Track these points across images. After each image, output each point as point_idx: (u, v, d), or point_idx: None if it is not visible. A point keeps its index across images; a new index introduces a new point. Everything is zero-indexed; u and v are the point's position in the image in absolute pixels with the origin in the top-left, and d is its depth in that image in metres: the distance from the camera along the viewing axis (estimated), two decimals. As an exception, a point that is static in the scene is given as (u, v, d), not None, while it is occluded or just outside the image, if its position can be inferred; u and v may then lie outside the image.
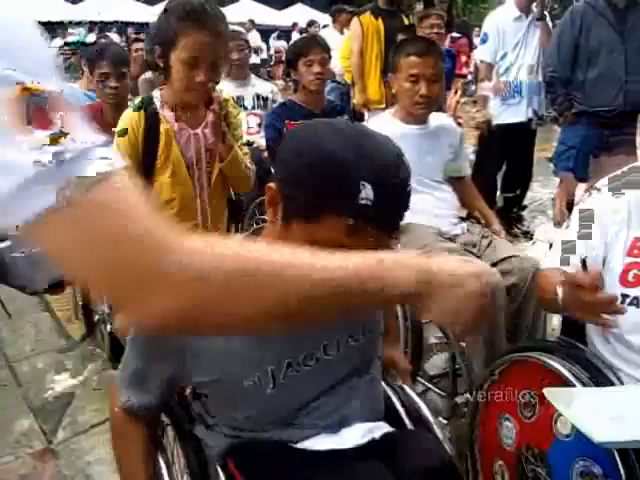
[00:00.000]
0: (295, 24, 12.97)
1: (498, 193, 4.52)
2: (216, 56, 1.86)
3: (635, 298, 1.48)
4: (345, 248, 0.75)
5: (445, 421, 2.09)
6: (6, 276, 1.36)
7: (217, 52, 1.86)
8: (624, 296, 1.49)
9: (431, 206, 2.26)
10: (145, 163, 1.94)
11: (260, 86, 3.64)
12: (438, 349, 2.17)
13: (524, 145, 4.31)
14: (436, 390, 2.15)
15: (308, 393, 1.15)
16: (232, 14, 15.89)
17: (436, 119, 2.33)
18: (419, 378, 2.17)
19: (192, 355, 1.08)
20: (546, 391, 1.33)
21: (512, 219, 4.49)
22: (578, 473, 1.44)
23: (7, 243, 1.33)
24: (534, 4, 4.12)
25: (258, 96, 3.54)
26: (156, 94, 2.00)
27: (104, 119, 2.70)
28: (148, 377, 1.13)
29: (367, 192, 0.96)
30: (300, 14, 19.36)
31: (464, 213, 2.65)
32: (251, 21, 12.25)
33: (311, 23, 11.31)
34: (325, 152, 1.00)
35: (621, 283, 1.48)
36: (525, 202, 4.70)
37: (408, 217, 2.21)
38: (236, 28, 3.84)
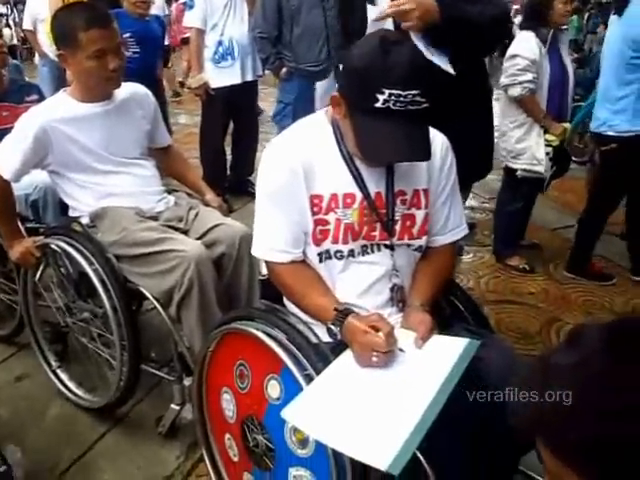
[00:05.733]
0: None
1: (229, 157, 4.51)
2: None
3: (326, 251, 1.51)
4: None
5: (178, 407, 2.02)
6: None
7: None
8: (319, 254, 1.51)
9: (129, 186, 2.11)
10: None
11: None
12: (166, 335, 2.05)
13: (246, 106, 4.33)
14: (165, 376, 2.06)
15: None
16: None
17: (122, 90, 2.15)
18: (145, 367, 2.06)
19: None
20: (283, 415, 1.28)
21: (245, 182, 4.52)
22: (291, 430, 1.46)
23: None
24: None
25: None
26: None
27: None
28: None
29: None
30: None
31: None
32: None
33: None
34: None
35: (314, 243, 1.50)
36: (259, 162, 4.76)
37: (105, 201, 2.07)
38: None
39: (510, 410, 0.73)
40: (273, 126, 4.46)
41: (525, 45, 3.10)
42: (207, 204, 2.27)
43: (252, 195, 4.38)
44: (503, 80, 3.17)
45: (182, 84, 8.79)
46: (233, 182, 4.46)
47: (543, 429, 0.65)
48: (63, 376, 2.35)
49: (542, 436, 0.66)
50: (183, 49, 8.86)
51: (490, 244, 3.71)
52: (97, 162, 2.08)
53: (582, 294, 3.25)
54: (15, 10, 11.20)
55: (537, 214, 3.78)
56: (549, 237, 3.98)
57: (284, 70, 3.91)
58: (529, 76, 3.08)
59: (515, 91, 3.13)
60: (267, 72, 4.33)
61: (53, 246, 2.12)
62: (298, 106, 3.87)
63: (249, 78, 4.20)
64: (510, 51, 3.16)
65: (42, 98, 2.83)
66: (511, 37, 3.79)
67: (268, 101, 5.99)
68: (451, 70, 1.80)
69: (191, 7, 4.15)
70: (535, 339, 2.79)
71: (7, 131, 2.41)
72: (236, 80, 4.11)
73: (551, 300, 3.17)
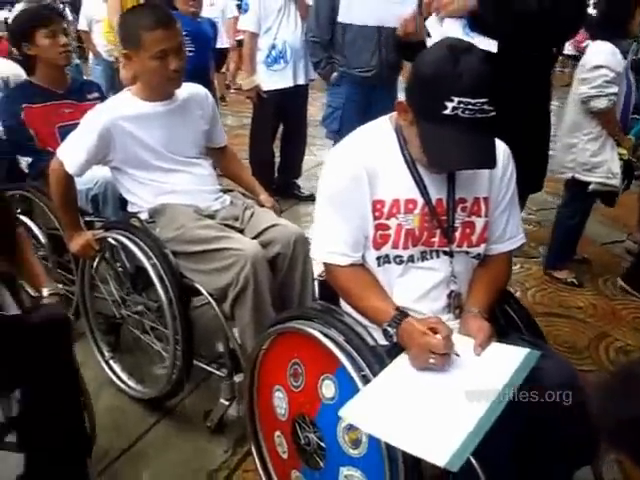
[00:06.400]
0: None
1: (277, 160, 4.55)
2: None
3: (386, 256, 1.52)
4: None
5: (227, 402, 2.05)
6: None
7: None
8: (377, 258, 1.53)
9: (187, 184, 2.15)
10: None
11: None
12: (215, 331, 2.09)
13: (296, 110, 4.36)
14: (215, 372, 2.09)
15: None
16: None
17: (183, 90, 2.20)
18: (196, 362, 2.10)
19: None
20: (341, 413, 1.30)
21: (292, 184, 4.56)
22: (344, 430, 1.47)
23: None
24: None
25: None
26: None
27: None
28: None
29: None
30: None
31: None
32: None
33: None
34: None
35: (374, 248, 1.52)
36: (307, 165, 4.79)
37: (164, 198, 2.13)
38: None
39: (590, 418, 0.73)
40: (320, 130, 4.50)
41: (610, 56, 3.00)
42: (261, 204, 2.31)
43: (299, 198, 4.52)
44: (587, 91, 3.05)
45: (228, 86, 8.88)
46: (280, 184, 4.50)
47: (628, 439, 0.65)
48: (115, 366, 2.41)
49: (626, 446, 0.65)
50: (233, 51, 8.95)
51: (537, 256, 3.67)
52: (157, 160, 2.13)
53: (633, 311, 3.18)
54: (67, 10, 11.40)
55: (586, 228, 3.71)
56: (598, 252, 3.90)
57: (334, 74, 3.92)
58: (615, 88, 3.00)
59: (601, 103, 3.02)
60: (316, 77, 4.35)
61: (111, 240, 2.18)
62: (347, 110, 3.89)
63: (301, 82, 4.23)
64: (593, 61, 3.04)
65: (102, 95, 2.92)
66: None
67: (316, 105, 6.03)
68: (494, 49, 1.80)
69: (246, 10, 4.21)
70: (584, 354, 2.75)
71: (71, 127, 2.49)
72: (288, 83, 4.14)
73: (600, 315, 3.12)
